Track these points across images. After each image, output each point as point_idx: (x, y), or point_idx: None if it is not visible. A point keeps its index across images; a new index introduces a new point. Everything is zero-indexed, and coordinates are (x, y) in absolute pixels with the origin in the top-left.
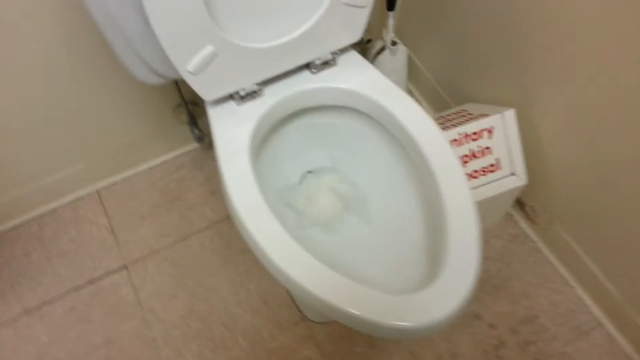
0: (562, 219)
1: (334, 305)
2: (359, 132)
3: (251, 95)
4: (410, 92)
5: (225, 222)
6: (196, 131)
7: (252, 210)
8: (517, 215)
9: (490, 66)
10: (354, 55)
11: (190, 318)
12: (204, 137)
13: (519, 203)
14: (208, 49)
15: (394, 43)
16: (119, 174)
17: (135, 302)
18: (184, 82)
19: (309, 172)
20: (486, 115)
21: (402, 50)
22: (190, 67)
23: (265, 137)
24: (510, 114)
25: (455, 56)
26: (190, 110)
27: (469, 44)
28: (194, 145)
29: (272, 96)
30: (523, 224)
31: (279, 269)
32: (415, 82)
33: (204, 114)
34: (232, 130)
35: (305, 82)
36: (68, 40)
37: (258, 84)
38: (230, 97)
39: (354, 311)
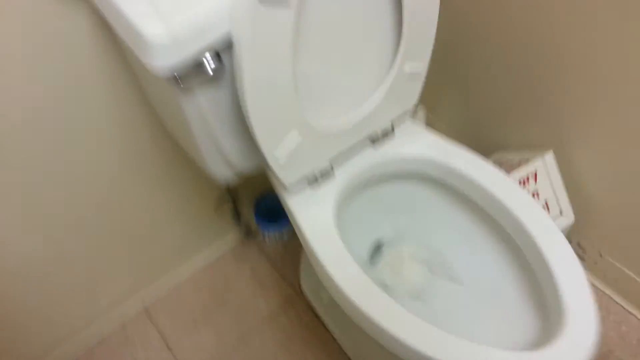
0: (611, 250)
1: None
2: (425, 197)
3: (324, 175)
4: None
5: (282, 313)
6: (243, 224)
7: (359, 289)
8: None
9: (516, 111)
10: (409, 122)
11: None
12: (249, 229)
13: None
14: (293, 133)
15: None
16: (163, 280)
17: None
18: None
19: (379, 244)
20: (526, 160)
21: (420, 111)
22: (277, 152)
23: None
24: (549, 156)
25: (476, 107)
26: (236, 205)
27: (489, 92)
28: (233, 238)
29: (343, 174)
30: None
31: (405, 344)
32: None
33: (244, 205)
34: (314, 213)
35: (372, 155)
36: (120, 151)
37: (330, 162)
38: (305, 180)
39: None
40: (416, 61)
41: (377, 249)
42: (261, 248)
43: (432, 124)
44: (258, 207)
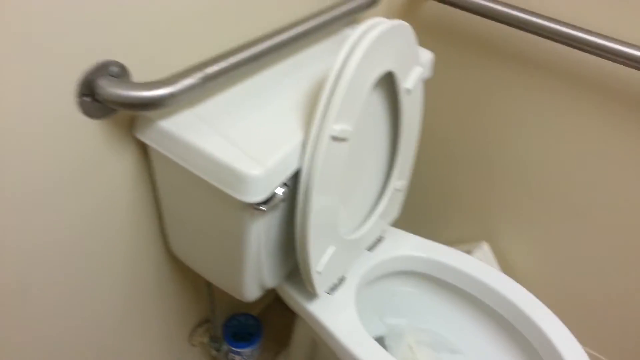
0: None
1: None
2: (419, 294)
3: (340, 282)
4: None
5: None
6: (214, 345)
7: None
8: None
9: (452, 211)
10: (393, 229)
11: None
12: (220, 348)
13: None
14: (331, 248)
15: None
16: None
17: None
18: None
19: (381, 338)
20: (471, 253)
21: None
22: (319, 266)
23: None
24: (486, 246)
25: (420, 207)
26: (209, 327)
27: (431, 194)
28: None
29: (353, 277)
30: None
31: None
32: None
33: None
34: (343, 316)
35: (369, 259)
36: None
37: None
38: (329, 288)
39: None
40: (403, 179)
41: (381, 340)
42: None
43: None
44: (226, 330)
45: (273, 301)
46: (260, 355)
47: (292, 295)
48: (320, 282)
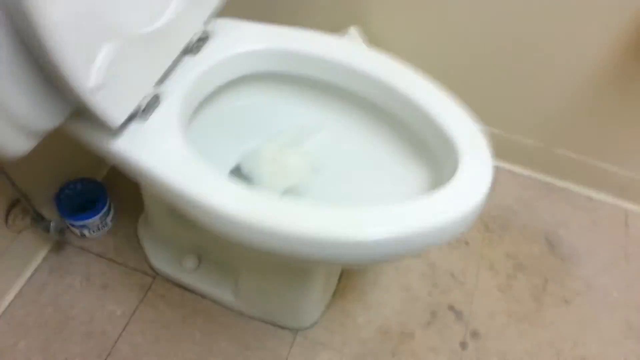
0: None
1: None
2: (267, 99)
3: (153, 104)
4: None
5: (143, 304)
6: (47, 225)
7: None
8: None
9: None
10: (226, 20)
11: None
12: (58, 227)
13: None
14: (109, 48)
15: None
16: None
17: None
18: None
19: (238, 167)
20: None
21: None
22: (92, 81)
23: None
24: (353, 30)
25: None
26: (25, 206)
27: None
28: (45, 248)
29: (174, 94)
30: None
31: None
32: None
33: (44, 202)
34: (161, 147)
35: (194, 66)
36: None
37: (157, 85)
38: (133, 117)
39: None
40: None
41: (239, 176)
42: (84, 248)
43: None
44: (60, 204)
45: None
46: (115, 225)
47: (86, 134)
48: (108, 105)
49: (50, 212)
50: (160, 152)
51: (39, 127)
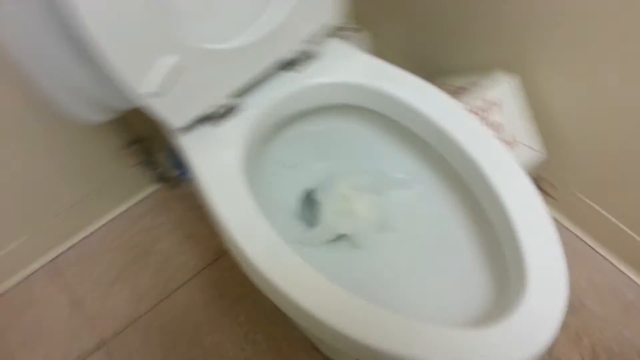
0: (586, 188)
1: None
2: (361, 134)
3: (230, 112)
4: None
5: (212, 267)
6: (157, 170)
7: (271, 256)
8: None
9: (470, 28)
10: (339, 43)
11: None
12: (166, 174)
13: (533, 180)
14: (168, 60)
15: (356, 30)
16: (72, 238)
17: None
18: (135, 116)
19: (310, 194)
20: (484, 87)
21: (364, 37)
22: (146, 88)
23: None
24: (515, 81)
25: (424, 25)
26: (145, 147)
27: (437, 8)
28: (152, 187)
29: (256, 107)
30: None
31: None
32: None
33: (160, 148)
34: (217, 158)
35: (290, 84)
36: None
37: (235, 97)
38: (206, 119)
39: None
40: None
41: (309, 200)
42: (184, 197)
43: (380, 51)
44: (172, 154)
45: None
46: None
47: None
48: (166, 109)
49: (163, 160)
50: (214, 163)
51: (113, 106)
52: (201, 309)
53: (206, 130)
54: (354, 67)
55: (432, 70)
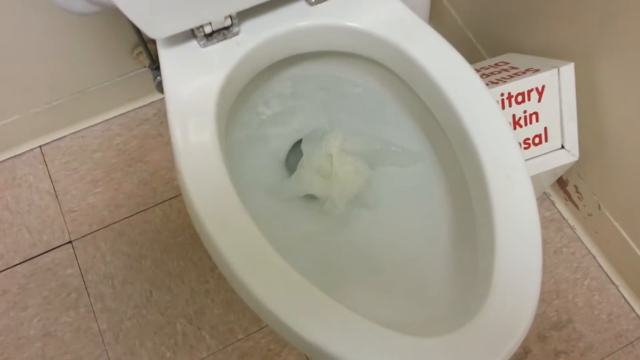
0: (614, 204)
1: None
2: (368, 90)
3: (221, 33)
4: None
5: None
6: (159, 77)
7: (219, 213)
8: (555, 195)
9: (543, 5)
10: None
11: (147, 308)
12: None
13: (560, 181)
14: None
15: None
16: (67, 127)
17: (82, 287)
18: None
19: (298, 141)
20: (536, 70)
21: None
22: None
23: (239, 95)
24: (568, 70)
25: None
26: (150, 51)
27: None
28: (158, 95)
29: (252, 35)
30: (561, 205)
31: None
32: (439, 25)
33: None
34: (192, 82)
35: (300, 17)
36: None
37: (231, 16)
38: (192, 35)
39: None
40: None
41: (296, 149)
42: None
43: (442, 9)
44: None
45: None
46: None
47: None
48: (138, 12)
49: None
50: (187, 88)
51: None
52: (175, 232)
53: (190, 47)
54: (376, 12)
55: (494, 43)
